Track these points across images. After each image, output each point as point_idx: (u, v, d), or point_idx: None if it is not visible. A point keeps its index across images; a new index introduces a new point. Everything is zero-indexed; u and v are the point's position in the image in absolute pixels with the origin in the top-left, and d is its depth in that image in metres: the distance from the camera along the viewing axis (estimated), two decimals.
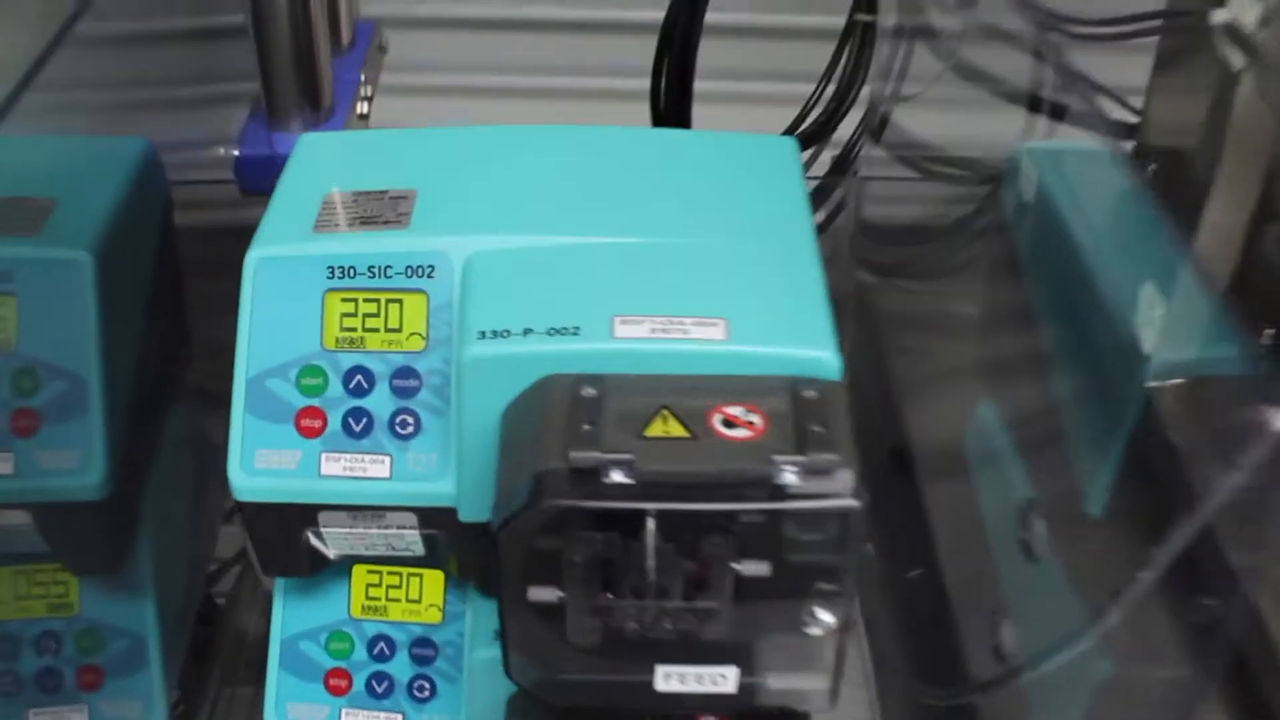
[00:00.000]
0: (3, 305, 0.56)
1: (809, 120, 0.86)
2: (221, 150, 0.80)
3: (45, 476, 0.56)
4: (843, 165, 0.89)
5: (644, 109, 0.86)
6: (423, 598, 0.59)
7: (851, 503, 0.45)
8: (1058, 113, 0.72)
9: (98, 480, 0.56)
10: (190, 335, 0.72)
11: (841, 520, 0.45)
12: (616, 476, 0.44)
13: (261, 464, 0.53)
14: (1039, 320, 0.69)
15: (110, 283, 0.57)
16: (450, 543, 0.55)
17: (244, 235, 0.55)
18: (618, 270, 0.52)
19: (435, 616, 0.59)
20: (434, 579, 0.59)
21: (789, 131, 0.86)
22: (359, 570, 0.59)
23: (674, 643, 0.48)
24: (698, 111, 0.87)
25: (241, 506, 0.53)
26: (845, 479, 0.45)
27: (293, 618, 0.59)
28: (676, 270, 0.52)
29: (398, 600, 0.59)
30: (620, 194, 0.56)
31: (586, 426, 0.46)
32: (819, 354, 0.48)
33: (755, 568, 0.46)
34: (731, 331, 0.49)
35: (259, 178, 0.77)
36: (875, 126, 0.83)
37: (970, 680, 0.65)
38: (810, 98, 0.86)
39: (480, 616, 0.57)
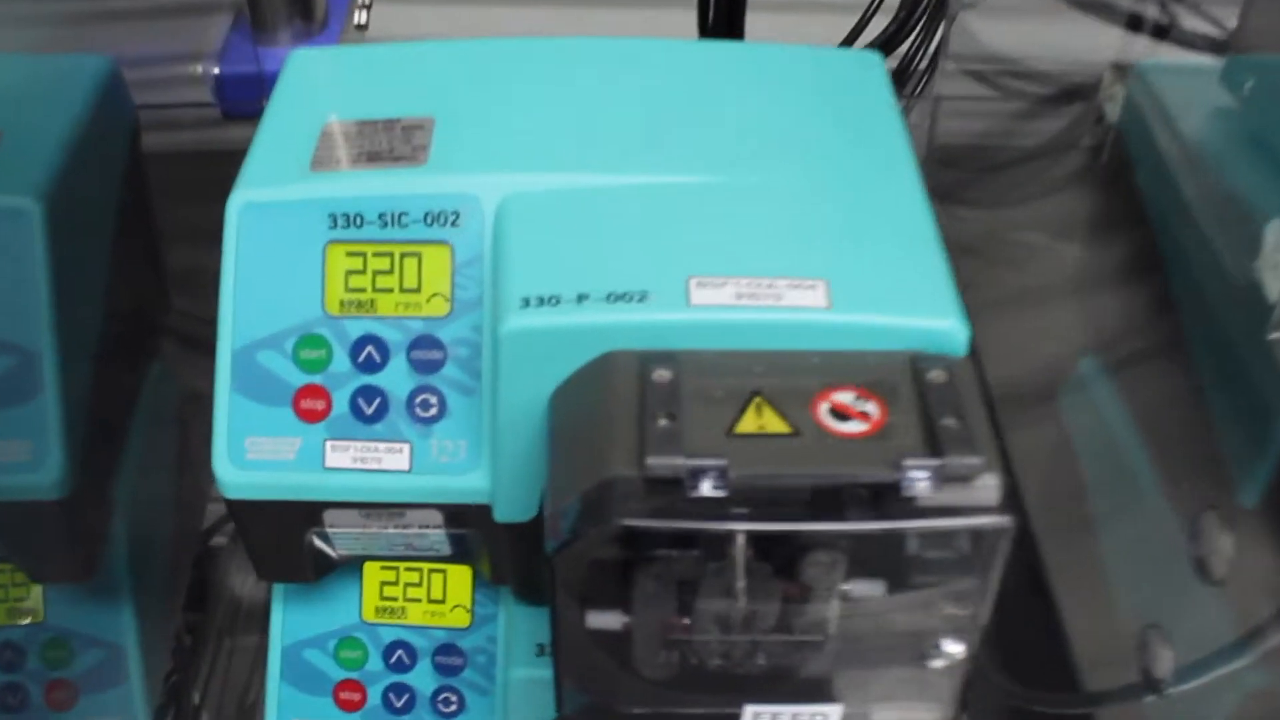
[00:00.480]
0: None
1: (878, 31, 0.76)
2: (198, 68, 0.69)
3: None
4: (900, 80, 0.79)
5: (688, 18, 0.76)
6: (447, 597, 0.51)
7: (1002, 520, 0.36)
8: (1160, 31, 0.63)
9: (55, 476, 0.47)
10: (167, 281, 0.63)
11: (983, 537, 0.36)
12: (705, 488, 0.36)
13: (254, 454, 0.44)
14: (1151, 261, 0.60)
15: (64, 234, 0.48)
16: (482, 543, 0.46)
17: (224, 157, 0.47)
18: (691, 218, 0.42)
19: (462, 619, 0.50)
20: (460, 576, 0.51)
21: (847, 44, 0.76)
22: (371, 567, 0.51)
23: (765, 676, 0.40)
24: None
25: (231, 505, 0.44)
26: (990, 488, 0.36)
27: (294, 622, 0.52)
28: (763, 218, 0.43)
29: (418, 601, 0.51)
30: (686, 121, 0.47)
31: (663, 421, 0.37)
32: (943, 323, 0.40)
33: (867, 589, 0.39)
34: (834, 296, 0.40)
35: (243, 99, 0.67)
36: (948, 38, 0.73)
37: (1085, 689, 0.57)
38: (870, 6, 0.76)
39: (517, 623, 0.49)
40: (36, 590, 0.54)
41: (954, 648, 0.40)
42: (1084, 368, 0.64)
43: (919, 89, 0.79)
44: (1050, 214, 0.73)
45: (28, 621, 0.53)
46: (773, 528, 0.36)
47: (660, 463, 0.36)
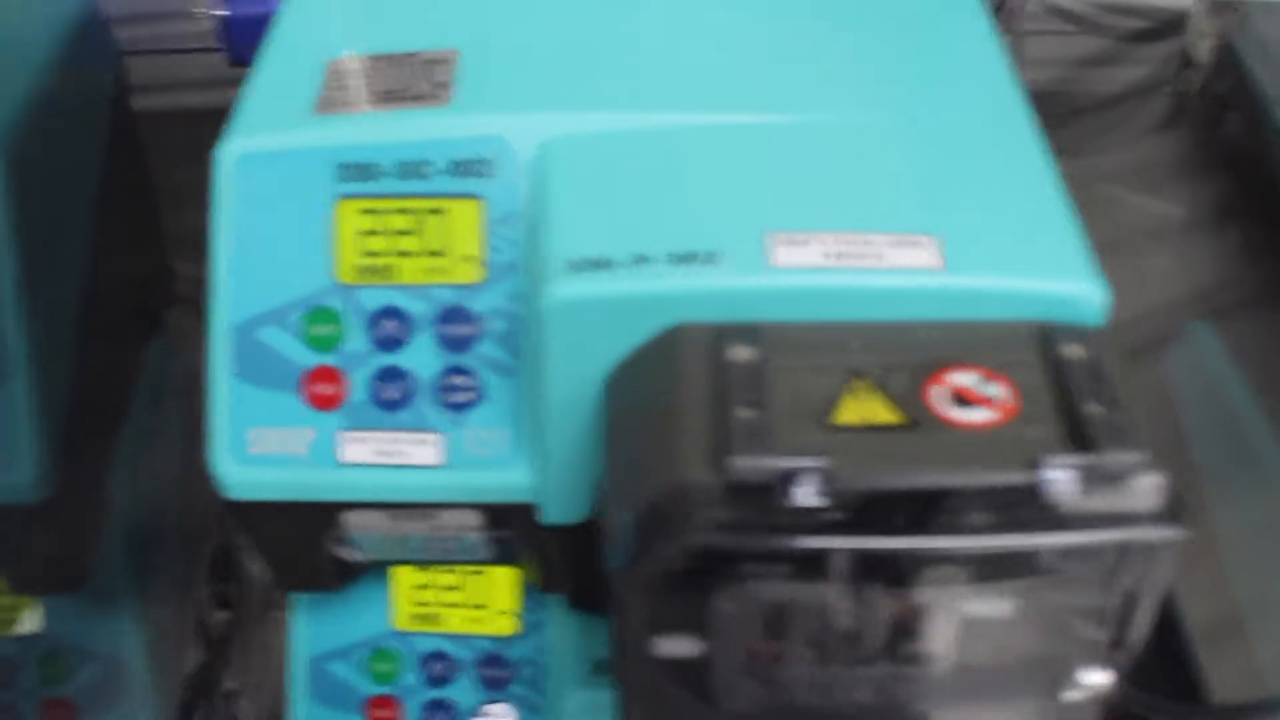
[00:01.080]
0: None
1: None
2: (199, 8, 0.62)
3: None
4: None
5: None
6: (490, 602, 0.45)
7: (1169, 531, 0.29)
8: None
9: (30, 476, 0.41)
10: (166, 249, 0.56)
11: (1139, 549, 0.30)
12: (802, 495, 0.29)
13: (257, 448, 0.38)
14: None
15: (31, 197, 0.41)
16: (527, 546, 0.39)
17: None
18: (766, 164, 0.36)
19: (507, 626, 0.44)
20: (504, 577, 0.45)
21: None
22: (402, 570, 0.44)
23: (868, 712, 0.34)
24: None
25: (233, 508, 0.38)
26: (1151, 490, 0.30)
27: (318, 632, 0.46)
28: (852, 163, 0.36)
29: (456, 606, 0.45)
30: (755, 50, 0.40)
31: (747, 412, 0.30)
32: (1077, 287, 0.33)
33: (991, 609, 0.32)
34: (947, 255, 0.33)
35: (255, 44, 0.59)
36: None
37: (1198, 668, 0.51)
38: None
39: (570, 636, 0.42)
40: (28, 598, 0.47)
41: (1094, 678, 0.33)
42: (1197, 335, 0.57)
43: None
44: (1137, 160, 0.66)
45: (23, 632, 0.47)
46: (888, 545, 0.30)
47: (746, 464, 0.29)
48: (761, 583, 0.31)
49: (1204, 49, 0.64)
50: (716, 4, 0.41)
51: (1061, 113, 0.74)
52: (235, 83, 0.69)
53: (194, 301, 0.62)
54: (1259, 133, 0.56)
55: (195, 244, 0.62)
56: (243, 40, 0.62)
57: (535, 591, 0.44)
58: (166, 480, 0.54)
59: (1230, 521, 0.55)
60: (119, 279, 0.50)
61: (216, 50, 0.63)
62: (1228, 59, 0.61)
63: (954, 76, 0.39)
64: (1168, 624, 0.57)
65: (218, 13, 0.62)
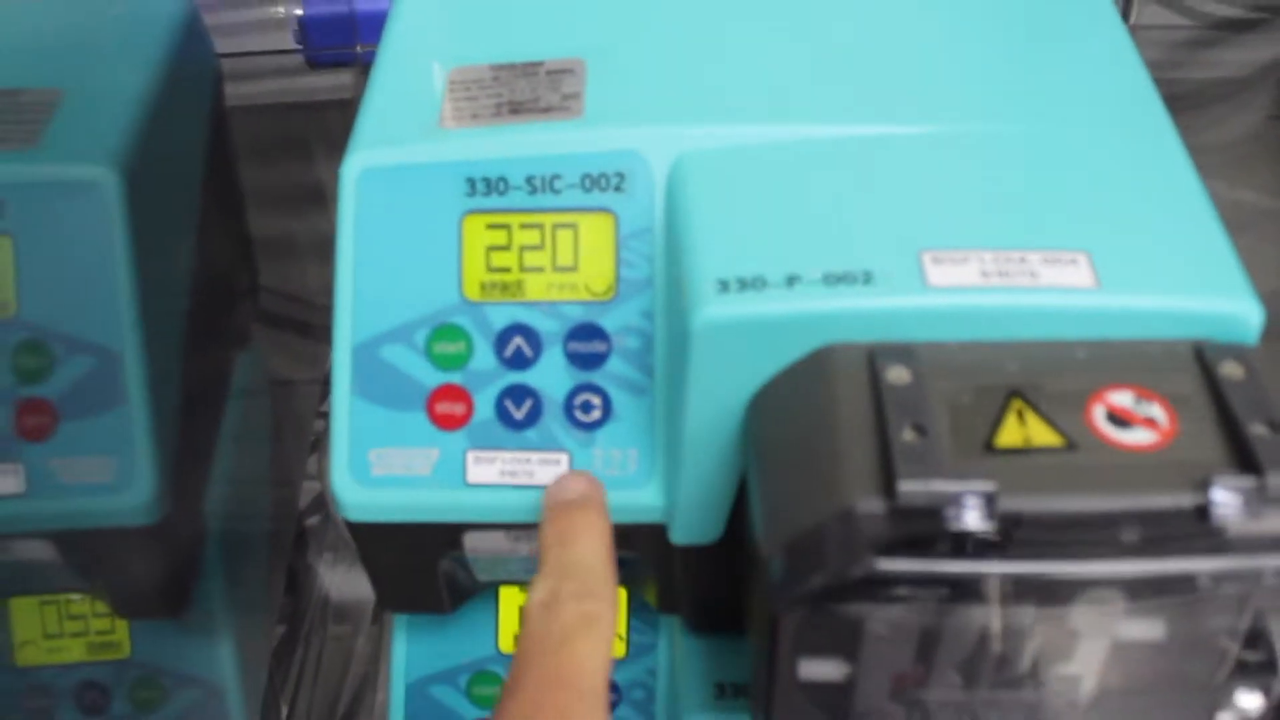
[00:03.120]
0: None
1: None
2: (279, 9, 0.61)
3: (70, 495, 0.39)
4: None
5: None
6: None
7: None
8: None
9: (145, 498, 0.40)
10: (254, 254, 0.55)
11: None
12: (970, 519, 0.28)
13: (381, 469, 0.37)
14: None
15: (146, 209, 0.40)
16: (649, 566, 0.39)
17: (307, 108, 0.39)
18: (912, 177, 0.35)
19: (616, 649, 0.43)
20: None
21: None
22: (509, 590, 0.44)
23: None
24: None
25: (354, 529, 0.37)
26: None
27: (420, 654, 0.45)
28: (998, 175, 0.35)
29: None
30: (890, 57, 0.39)
31: (910, 435, 0.29)
32: (1234, 306, 0.33)
33: (1145, 631, 0.31)
34: (1100, 272, 0.32)
35: (331, 45, 0.58)
36: None
37: None
38: None
39: (690, 658, 0.42)
40: (122, 621, 0.47)
41: (1250, 700, 0.32)
42: None
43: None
44: (1241, 154, 0.64)
45: (115, 658, 0.46)
46: (1052, 570, 0.29)
47: (914, 489, 0.28)
48: (916, 606, 0.30)
49: None
50: (849, 11, 0.40)
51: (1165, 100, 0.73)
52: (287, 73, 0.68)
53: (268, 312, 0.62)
54: None
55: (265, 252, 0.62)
56: (319, 41, 0.62)
57: (644, 614, 0.44)
58: (255, 496, 0.53)
59: None
60: (216, 289, 0.49)
61: (294, 51, 0.63)
62: None
63: (1095, 84, 0.38)
64: None
65: (296, 12, 0.62)
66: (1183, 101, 0.68)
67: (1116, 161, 0.35)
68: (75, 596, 0.46)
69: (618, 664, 0.44)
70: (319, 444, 0.63)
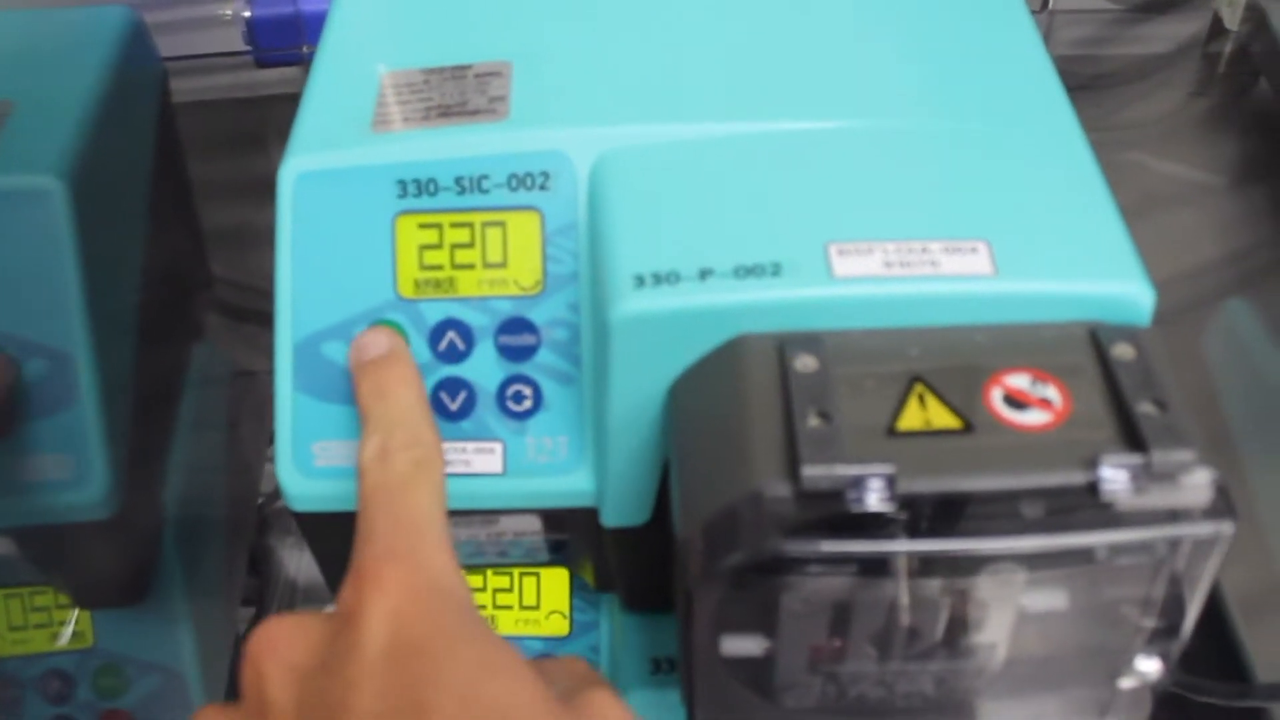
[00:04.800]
0: None
1: None
2: (226, 11, 0.62)
3: (29, 493, 0.41)
4: None
5: None
6: (541, 603, 0.45)
7: (1221, 526, 0.30)
8: None
9: (100, 494, 0.41)
10: (205, 250, 0.56)
11: (1191, 543, 0.31)
12: (871, 500, 0.30)
13: (323, 460, 0.39)
14: None
15: (94, 215, 0.42)
16: (585, 548, 0.40)
17: (255, 103, 0.40)
18: (820, 172, 0.36)
19: (560, 627, 0.45)
20: (556, 579, 0.46)
21: None
22: None
23: (927, 703, 0.35)
24: None
25: (299, 519, 0.39)
26: (1202, 486, 0.31)
27: None
28: (902, 168, 0.37)
29: (508, 608, 0.46)
30: (804, 56, 0.40)
31: (815, 421, 0.31)
32: (1125, 288, 0.34)
33: (1048, 602, 0.33)
34: (998, 259, 0.33)
35: (280, 45, 0.59)
36: None
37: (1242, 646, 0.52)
38: None
39: (626, 635, 0.43)
40: (84, 612, 0.48)
41: (1149, 665, 0.34)
42: (1233, 312, 0.57)
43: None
44: (1164, 129, 0.66)
45: (78, 648, 0.47)
46: (951, 547, 0.31)
47: (818, 472, 0.30)
48: (827, 583, 0.32)
49: (1234, 14, 0.64)
50: (764, 11, 0.42)
51: (1084, 82, 0.75)
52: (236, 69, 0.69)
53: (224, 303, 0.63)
54: None
55: (220, 243, 0.63)
56: (267, 42, 0.63)
57: (585, 593, 0.45)
58: (212, 485, 0.55)
59: (1271, 495, 0.55)
60: (167, 285, 0.50)
61: (243, 53, 0.64)
62: (1259, 23, 0.60)
63: (999, 77, 0.40)
64: (1209, 601, 0.58)
65: (243, 13, 0.62)
66: (1109, 79, 0.70)
67: (1018, 152, 0.37)
68: (40, 588, 0.47)
69: (562, 642, 0.45)
70: None
